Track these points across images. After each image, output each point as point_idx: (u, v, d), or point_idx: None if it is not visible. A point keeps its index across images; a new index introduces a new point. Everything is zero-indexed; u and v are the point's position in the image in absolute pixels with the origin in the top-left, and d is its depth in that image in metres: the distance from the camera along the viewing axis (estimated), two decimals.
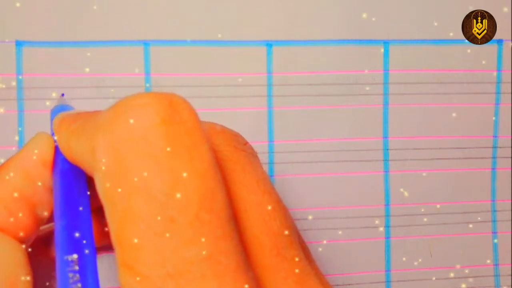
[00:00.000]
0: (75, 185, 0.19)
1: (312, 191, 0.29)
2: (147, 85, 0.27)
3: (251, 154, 0.20)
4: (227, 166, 0.18)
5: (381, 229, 0.29)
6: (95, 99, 0.27)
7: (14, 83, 0.27)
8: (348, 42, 0.29)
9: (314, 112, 0.28)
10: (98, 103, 0.27)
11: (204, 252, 0.15)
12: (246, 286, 0.15)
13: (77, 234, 0.18)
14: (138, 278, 0.15)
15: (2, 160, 0.26)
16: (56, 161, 0.20)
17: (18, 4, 0.26)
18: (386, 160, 0.29)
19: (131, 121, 0.16)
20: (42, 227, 0.21)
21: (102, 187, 0.16)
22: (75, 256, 0.17)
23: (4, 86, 0.27)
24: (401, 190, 0.29)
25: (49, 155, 0.20)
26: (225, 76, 0.28)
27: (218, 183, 0.16)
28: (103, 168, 0.16)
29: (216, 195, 0.16)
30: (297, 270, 0.18)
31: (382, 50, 0.29)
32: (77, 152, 0.18)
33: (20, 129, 0.27)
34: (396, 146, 0.29)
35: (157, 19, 0.27)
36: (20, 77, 0.27)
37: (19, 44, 0.27)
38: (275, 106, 0.28)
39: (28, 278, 0.19)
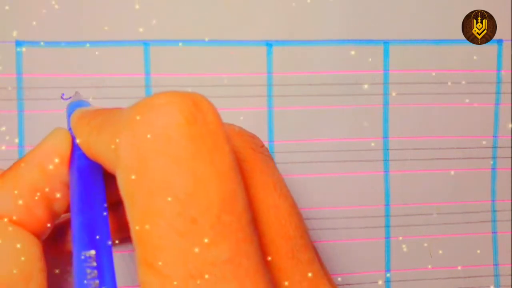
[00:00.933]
0: (93, 182, 0.19)
1: (312, 191, 0.29)
2: (147, 85, 0.27)
3: (268, 156, 0.20)
4: (245, 168, 0.18)
5: (381, 229, 0.29)
6: (95, 99, 0.27)
7: (14, 83, 0.27)
8: (348, 42, 0.29)
9: (314, 112, 0.28)
10: (98, 103, 0.27)
11: (225, 254, 0.15)
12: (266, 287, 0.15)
13: (94, 231, 0.18)
14: (158, 277, 0.15)
15: (2, 161, 0.26)
16: (73, 157, 0.20)
17: (18, 4, 0.26)
18: (386, 160, 0.29)
19: (155, 119, 0.16)
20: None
21: (124, 184, 0.16)
22: (93, 252, 0.17)
23: (4, 86, 0.27)
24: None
25: (66, 150, 0.20)
26: (225, 76, 0.28)
27: (239, 185, 0.16)
28: (125, 165, 0.16)
29: (237, 197, 0.16)
30: (311, 274, 0.18)
31: (382, 50, 0.29)
32: (97, 148, 0.18)
33: (20, 129, 0.27)
34: (396, 146, 0.29)
35: (157, 19, 0.27)
36: (20, 77, 0.27)
37: (19, 44, 0.27)
38: (275, 106, 0.28)
39: (42, 273, 0.19)
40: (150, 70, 0.27)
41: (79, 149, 0.20)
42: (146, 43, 0.27)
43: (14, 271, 0.18)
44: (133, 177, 0.16)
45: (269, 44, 0.28)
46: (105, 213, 0.18)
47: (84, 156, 0.19)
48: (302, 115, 0.28)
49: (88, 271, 0.17)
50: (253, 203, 0.18)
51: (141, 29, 0.27)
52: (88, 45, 0.27)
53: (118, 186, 0.16)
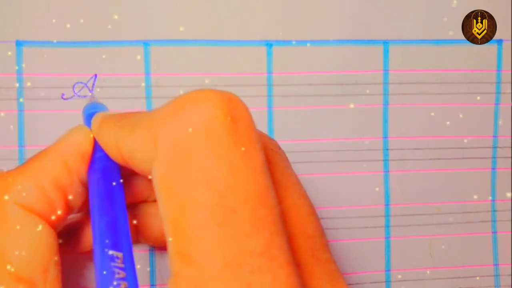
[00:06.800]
0: (116, 183, 0.20)
1: (312, 191, 0.29)
2: (147, 85, 0.27)
3: (286, 158, 0.20)
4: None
5: (381, 229, 0.29)
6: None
7: (14, 83, 0.27)
8: (348, 42, 0.29)
9: (314, 112, 0.28)
10: None
11: (260, 246, 0.15)
12: (297, 280, 0.16)
13: (118, 232, 0.18)
14: (194, 268, 0.15)
15: (2, 161, 0.26)
16: (94, 158, 0.20)
17: (18, 4, 0.26)
18: (386, 160, 0.29)
19: (194, 114, 0.16)
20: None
21: (161, 177, 0.16)
22: (120, 254, 0.17)
23: (4, 86, 0.27)
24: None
25: (88, 149, 0.21)
26: (225, 76, 0.28)
27: (270, 180, 0.17)
28: (165, 158, 0.16)
29: (269, 191, 0.16)
30: (329, 272, 0.18)
31: (382, 50, 0.29)
32: (128, 146, 0.18)
33: (20, 129, 0.27)
34: (396, 146, 0.29)
35: (157, 19, 0.27)
36: (21, 77, 0.27)
37: (19, 44, 0.27)
38: (275, 106, 0.28)
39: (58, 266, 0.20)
40: (150, 70, 0.27)
41: (100, 151, 0.20)
42: (146, 43, 0.27)
43: (34, 261, 0.19)
44: (172, 168, 0.16)
45: (269, 44, 0.28)
46: (126, 214, 0.19)
47: (105, 159, 0.20)
48: (302, 115, 0.28)
49: (117, 271, 0.17)
50: None
51: (141, 29, 0.27)
52: (88, 45, 0.27)
53: (153, 180, 0.17)
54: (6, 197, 0.19)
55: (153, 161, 0.17)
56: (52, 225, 0.20)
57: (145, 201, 0.24)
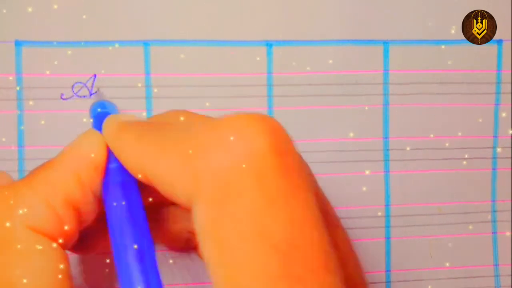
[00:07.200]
0: (135, 197, 0.18)
1: None
2: (147, 85, 0.27)
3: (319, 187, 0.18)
4: None
5: (381, 229, 0.29)
6: None
7: (14, 83, 0.27)
8: (348, 42, 0.29)
9: (314, 112, 0.28)
10: None
11: None
12: None
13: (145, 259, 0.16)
14: None
15: (2, 161, 0.26)
16: (108, 169, 0.19)
17: (17, 5, 0.26)
18: (386, 160, 0.29)
19: (237, 146, 0.14)
20: None
21: (205, 220, 0.14)
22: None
23: (4, 86, 0.27)
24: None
25: (102, 159, 0.18)
26: (225, 76, 0.28)
27: (327, 233, 0.14)
28: (209, 199, 0.14)
29: (331, 250, 0.14)
30: None
31: (382, 50, 0.29)
32: (158, 172, 0.16)
33: (20, 129, 0.27)
34: (396, 146, 0.29)
35: (157, 19, 0.27)
36: (20, 77, 0.27)
37: (19, 44, 0.27)
38: (275, 106, 0.28)
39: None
40: (150, 70, 0.27)
41: (115, 161, 0.18)
42: (146, 43, 0.27)
43: (43, 286, 0.17)
44: (220, 216, 0.14)
45: (269, 44, 0.28)
46: (147, 227, 0.17)
47: (121, 171, 0.18)
48: (302, 115, 0.28)
49: None
50: None
51: (141, 29, 0.27)
52: (88, 45, 0.27)
53: (195, 218, 0.14)
54: (15, 215, 0.17)
55: (195, 198, 0.14)
56: (63, 244, 0.18)
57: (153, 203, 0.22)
